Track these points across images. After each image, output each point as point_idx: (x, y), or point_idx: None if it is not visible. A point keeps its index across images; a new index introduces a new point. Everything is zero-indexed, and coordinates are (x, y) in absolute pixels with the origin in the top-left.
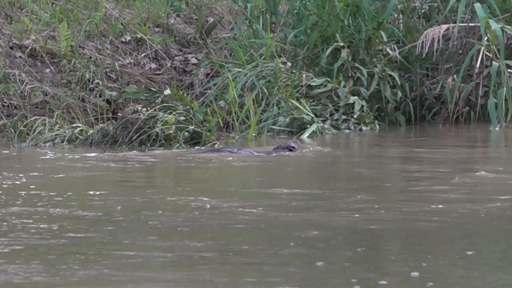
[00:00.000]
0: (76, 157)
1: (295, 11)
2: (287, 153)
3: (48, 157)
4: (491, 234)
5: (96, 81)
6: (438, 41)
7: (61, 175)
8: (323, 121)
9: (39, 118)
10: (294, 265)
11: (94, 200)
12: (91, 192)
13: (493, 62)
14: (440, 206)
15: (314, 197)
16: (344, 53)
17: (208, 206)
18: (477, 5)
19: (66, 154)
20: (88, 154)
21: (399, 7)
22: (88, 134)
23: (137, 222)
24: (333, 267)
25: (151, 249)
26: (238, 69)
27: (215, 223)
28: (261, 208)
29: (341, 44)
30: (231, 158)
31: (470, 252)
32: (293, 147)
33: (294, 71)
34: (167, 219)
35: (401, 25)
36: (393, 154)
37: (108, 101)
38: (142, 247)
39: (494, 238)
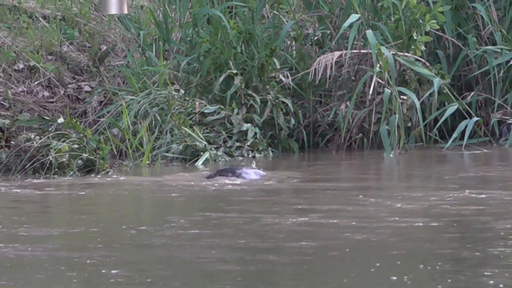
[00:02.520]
0: None
1: (188, 38)
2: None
3: None
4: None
5: None
6: (331, 67)
7: None
8: (217, 148)
9: None
10: None
11: None
12: None
13: (385, 89)
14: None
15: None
16: (237, 80)
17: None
18: (369, 32)
19: None
20: None
21: (292, 34)
22: None
23: None
24: None
25: None
26: (131, 97)
27: None
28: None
29: (234, 71)
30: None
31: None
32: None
33: (187, 98)
34: None
35: (294, 52)
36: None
37: (1, 129)
38: None
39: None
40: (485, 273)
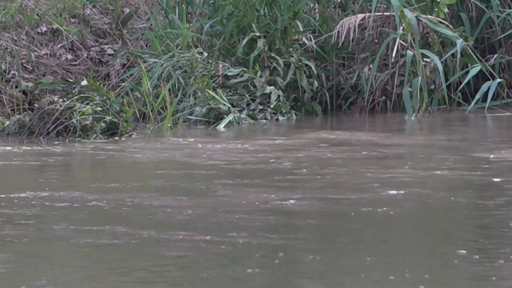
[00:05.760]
0: None
1: (211, 1)
2: None
3: None
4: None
5: (12, 72)
6: (354, 30)
7: None
8: (240, 111)
9: None
10: None
11: None
12: None
13: (408, 51)
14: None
15: None
16: (260, 43)
17: None
18: None
19: None
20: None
21: None
22: (5, 125)
23: None
24: None
25: None
26: (154, 60)
27: None
28: None
29: (257, 34)
30: None
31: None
32: None
33: (210, 61)
34: None
35: (317, 14)
36: None
37: (24, 92)
38: None
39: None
40: None
